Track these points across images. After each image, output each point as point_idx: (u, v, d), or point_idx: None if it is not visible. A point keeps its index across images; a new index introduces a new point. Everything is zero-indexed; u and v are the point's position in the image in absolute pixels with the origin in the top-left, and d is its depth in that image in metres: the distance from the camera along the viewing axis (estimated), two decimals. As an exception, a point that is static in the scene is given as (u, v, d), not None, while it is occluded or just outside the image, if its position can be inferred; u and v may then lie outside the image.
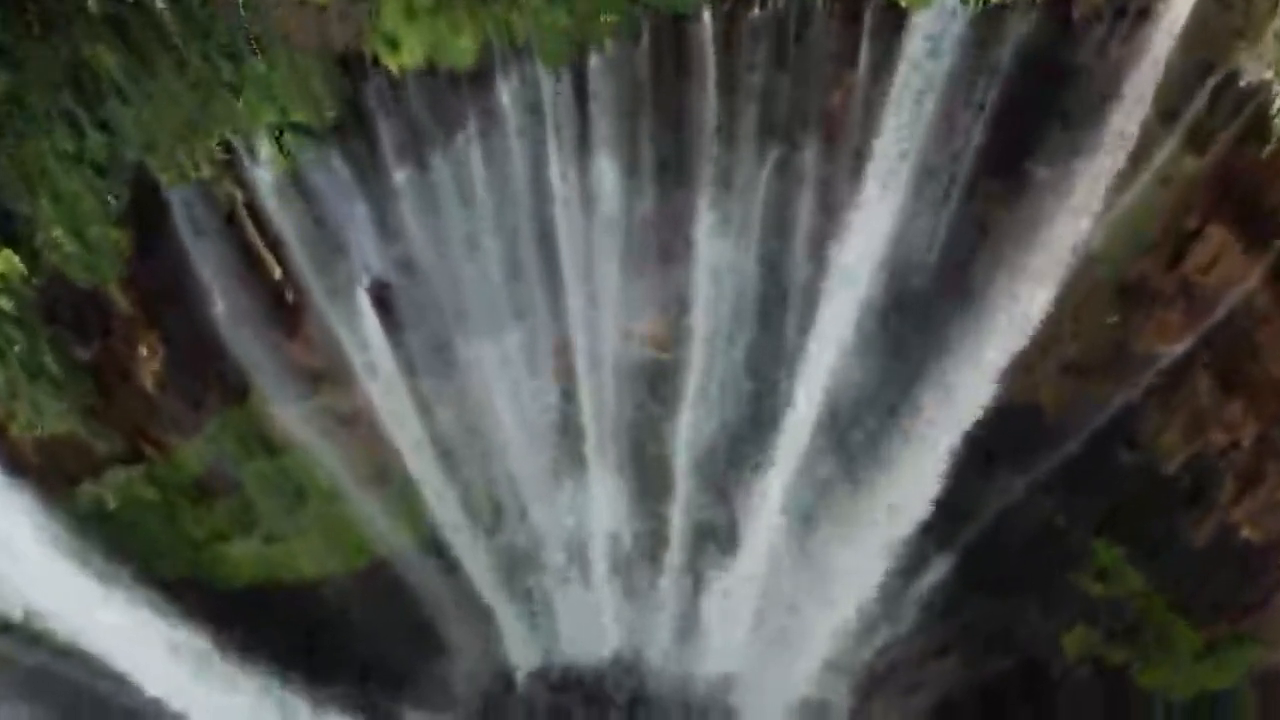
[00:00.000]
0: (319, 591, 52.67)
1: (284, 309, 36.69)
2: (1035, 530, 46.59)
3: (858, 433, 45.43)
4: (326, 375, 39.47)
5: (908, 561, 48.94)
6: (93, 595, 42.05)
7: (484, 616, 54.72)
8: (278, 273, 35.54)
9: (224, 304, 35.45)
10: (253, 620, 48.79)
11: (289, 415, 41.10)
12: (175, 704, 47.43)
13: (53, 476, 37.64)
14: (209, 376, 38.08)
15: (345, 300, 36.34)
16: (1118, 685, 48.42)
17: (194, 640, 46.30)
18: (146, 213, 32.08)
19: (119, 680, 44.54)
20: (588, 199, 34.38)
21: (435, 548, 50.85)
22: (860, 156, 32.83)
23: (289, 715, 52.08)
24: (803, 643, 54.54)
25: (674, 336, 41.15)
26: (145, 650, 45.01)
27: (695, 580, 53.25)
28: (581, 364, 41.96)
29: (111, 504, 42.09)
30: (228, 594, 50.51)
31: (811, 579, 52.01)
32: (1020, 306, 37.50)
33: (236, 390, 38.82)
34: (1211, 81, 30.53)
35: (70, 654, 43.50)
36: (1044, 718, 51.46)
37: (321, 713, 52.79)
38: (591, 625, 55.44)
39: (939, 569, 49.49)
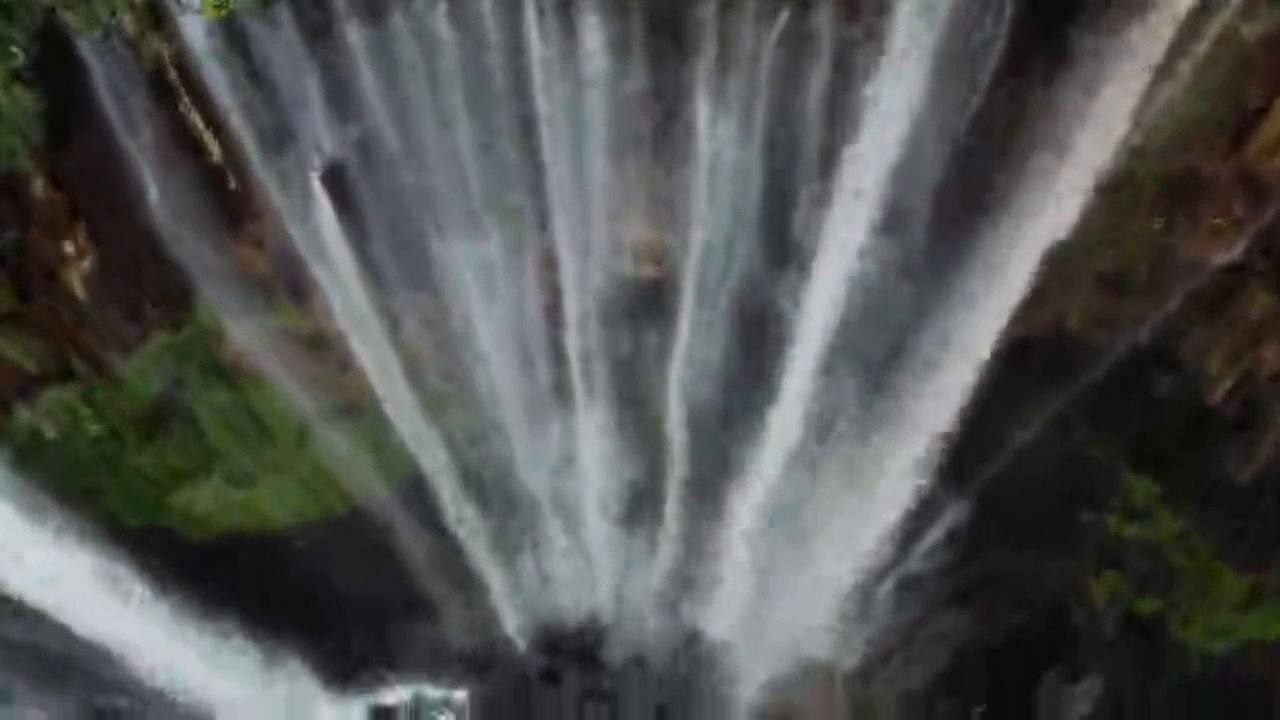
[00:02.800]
0: (292, 544, 47.47)
1: (227, 200, 31.17)
2: (1062, 468, 41.30)
3: (869, 361, 39.82)
4: (281, 285, 33.99)
5: (920, 507, 43.33)
6: (40, 541, 36.58)
7: (469, 571, 49.30)
8: (217, 152, 29.98)
9: (158, 193, 29.91)
10: (223, 574, 44.23)
11: (243, 335, 35.59)
12: (140, 662, 42.39)
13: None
14: (146, 281, 32.64)
15: (296, 190, 30.89)
16: (1149, 638, 43.09)
17: (160, 595, 41.22)
18: (61, 75, 26.52)
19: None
20: (571, 67, 28.88)
21: (415, 494, 45.24)
22: (881, 12, 27.17)
23: (263, 676, 46.77)
24: (805, 598, 48.79)
25: (667, 248, 35.61)
26: (104, 606, 39.78)
27: (692, 530, 47.60)
28: (567, 279, 36.41)
29: (49, 433, 36.56)
30: (198, 546, 45.41)
31: (816, 528, 46.36)
32: (1055, 207, 31.91)
33: (179, 300, 33.44)
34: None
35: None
36: (1067, 676, 45.58)
37: (297, 673, 48.39)
38: (583, 580, 49.92)
39: (954, 514, 44.06)
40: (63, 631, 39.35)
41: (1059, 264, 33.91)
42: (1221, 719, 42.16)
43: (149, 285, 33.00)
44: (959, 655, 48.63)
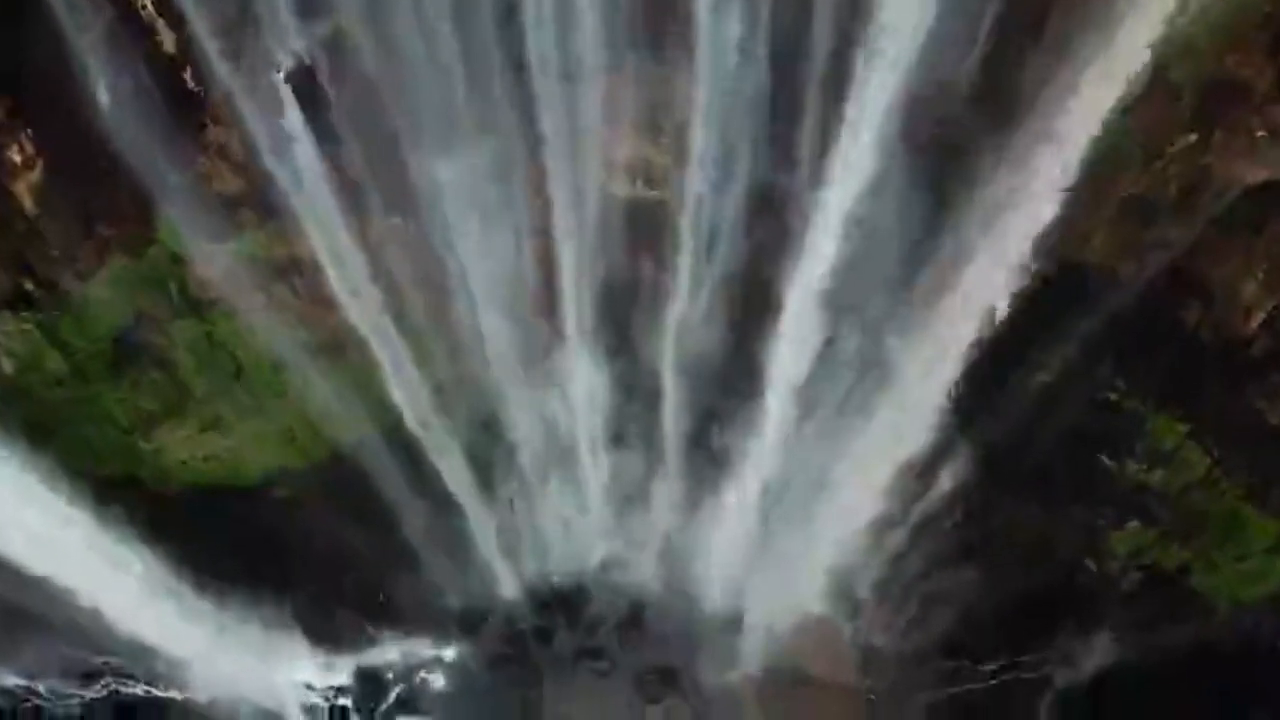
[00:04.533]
0: (273, 493, 44.39)
1: (186, 104, 27.99)
2: (1081, 409, 38.28)
3: (879, 293, 36.70)
4: (249, 204, 30.88)
5: (929, 455, 40.21)
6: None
7: (458, 523, 46.25)
8: (172, 46, 26.81)
9: (109, 95, 26.71)
10: (201, 526, 41.48)
11: (210, 262, 32.44)
12: (115, 618, 38.93)
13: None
14: (101, 196, 29.41)
15: (262, 95, 27.67)
16: (1171, 590, 40.03)
17: (132, 547, 38.14)
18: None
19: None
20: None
21: (401, 439, 42.17)
22: None
23: (244, 633, 43.71)
24: (809, 551, 45.81)
25: (664, 166, 32.45)
26: (74, 558, 36.51)
27: (691, 478, 44.59)
28: (558, 202, 33.30)
29: (8, 367, 33.55)
30: (172, 496, 42.50)
31: (820, 478, 43.36)
32: (1082, 119, 28.71)
33: (137, 218, 30.29)
34: None
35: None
36: (1083, 633, 42.60)
37: (280, 631, 45.35)
38: (576, 532, 47.08)
39: (964, 463, 40.74)
40: (32, 585, 36.23)
41: (1084, 186, 30.90)
42: (1246, 674, 39.02)
43: (103, 199, 29.80)
44: (968, 611, 45.68)
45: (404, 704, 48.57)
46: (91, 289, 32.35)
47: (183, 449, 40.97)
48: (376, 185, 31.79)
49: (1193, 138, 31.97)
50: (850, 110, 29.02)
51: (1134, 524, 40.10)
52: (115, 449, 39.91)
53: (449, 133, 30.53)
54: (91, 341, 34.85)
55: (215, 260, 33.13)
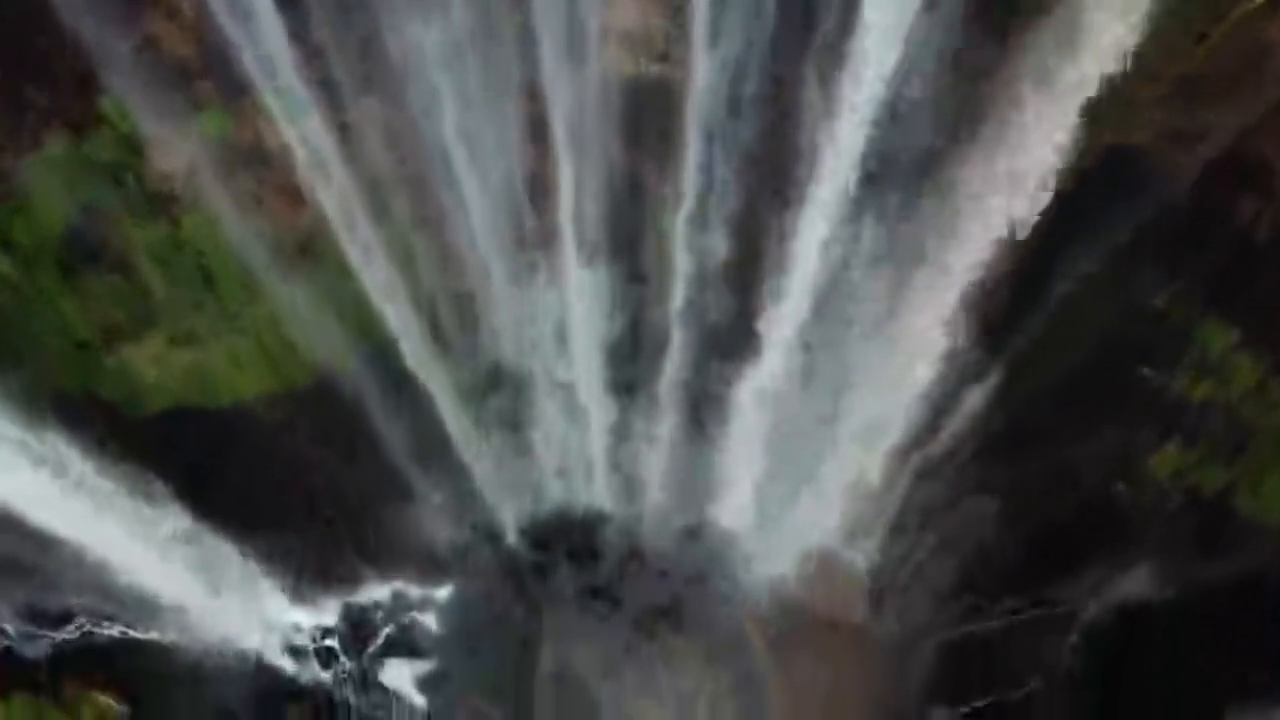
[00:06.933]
0: (253, 419, 40.65)
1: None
2: (1120, 314, 34.40)
3: (900, 190, 32.88)
4: (207, 76, 26.84)
5: (952, 372, 36.45)
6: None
7: (450, 453, 42.68)
8: None
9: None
10: (175, 455, 38.08)
11: (165, 145, 28.53)
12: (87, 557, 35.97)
13: None
14: (33, 59, 25.41)
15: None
16: (1215, 517, 36.39)
17: (101, 477, 34.92)
18: None
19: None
20: None
21: (389, 361, 38.42)
22: None
23: (224, 569, 40.52)
24: (821, 482, 42.34)
25: (669, 37, 28.43)
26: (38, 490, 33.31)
27: (698, 404, 40.81)
28: (551, 80, 29.32)
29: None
30: (144, 422, 38.62)
31: (834, 400, 39.71)
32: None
33: (77, 88, 26.35)
34: None
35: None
36: (1114, 566, 38.92)
37: (262, 567, 42.00)
38: (575, 462, 43.45)
39: (989, 378, 37.04)
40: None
41: (1133, 64, 26.98)
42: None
43: (37, 66, 25.83)
44: (990, 546, 42.19)
45: (394, 645, 45.14)
46: (34, 174, 28.36)
47: (151, 367, 37.24)
48: (345, 54, 27.72)
49: (1254, 3, 28.09)
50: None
51: (1173, 444, 36.39)
52: (74, 364, 36.21)
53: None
54: (39, 240, 30.92)
55: (172, 146, 29.07)
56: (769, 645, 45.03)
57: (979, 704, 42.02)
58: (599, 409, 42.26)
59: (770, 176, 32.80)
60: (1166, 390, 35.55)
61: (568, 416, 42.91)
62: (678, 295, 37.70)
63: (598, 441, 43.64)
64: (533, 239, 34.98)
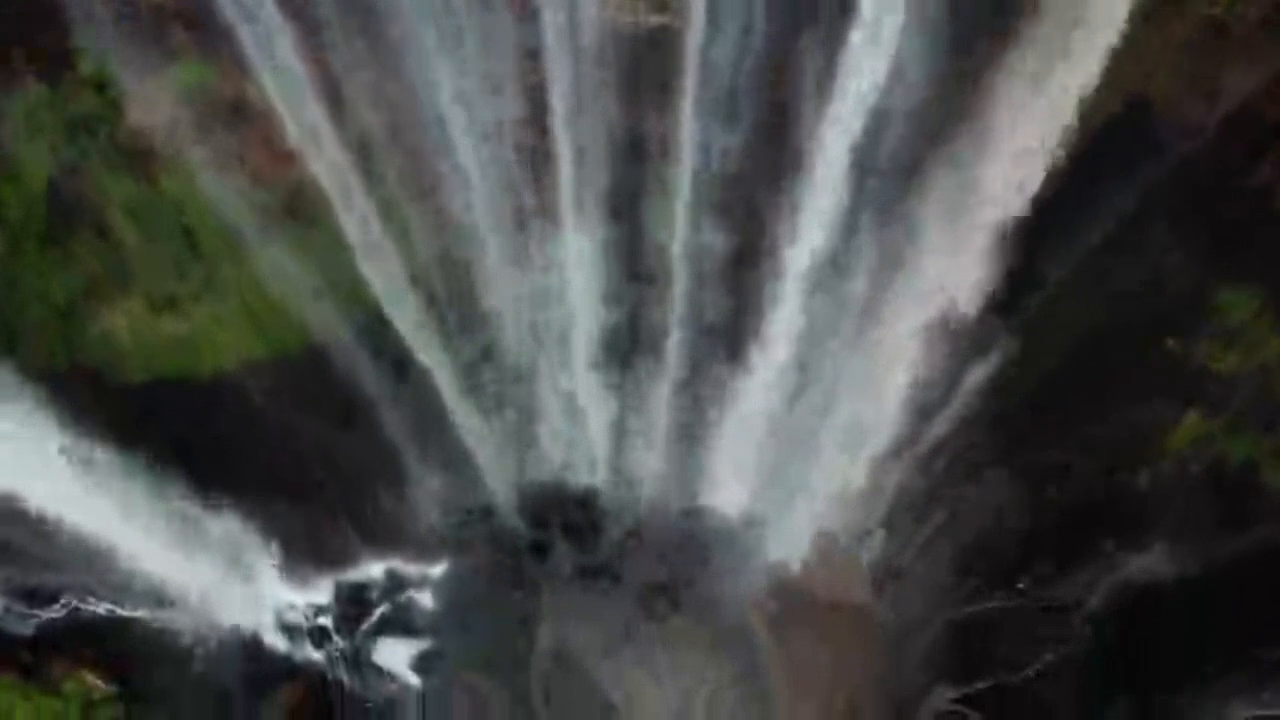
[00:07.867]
0: (241, 390, 39.10)
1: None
2: (1137, 279, 33.04)
3: (907, 152, 31.24)
4: (185, 20, 25.23)
5: (963, 344, 34.94)
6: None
7: (446, 428, 41.23)
8: None
9: None
10: (160, 427, 36.47)
11: (144, 98, 26.82)
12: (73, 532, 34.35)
13: None
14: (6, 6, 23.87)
15: None
16: (1237, 491, 34.78)
17: (87, 450, 33.36)
18: None
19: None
20: None
21: (383, 330, 36.93)
22: None
23: (214, 547, 39.02)
24: (824, 461, 40.90)
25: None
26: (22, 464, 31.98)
27: (698, 379, 39.32)
28: (549, 33, 27.71)
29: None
30: (126, 392, 37.02)
31: (838, 376, 38.22)
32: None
33: (48, 34, 24.65)
34: None
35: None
36: (1130, 543, 37.33)
37: (253, 545, 40.52)
38: (572, 439, 42.09)
39: (1002, 351, 35.57)
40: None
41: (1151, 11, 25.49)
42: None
43: (8, 9, 24.25)
44: (1001, 524, 40.75)
45: (388, 624, 43.71)
46: (13, 128, 26.76)
47: (133, 333, 35.66)
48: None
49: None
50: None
51: (1193, 415, 34.81)
52: (57, 333, 34.68)
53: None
54: (26, 207, 29.33)
55: (150, 96, 27.46)
56: (770, 626, 43.56)
57: (981, 685, 40.76)
58: (598, 380, 40.78)
59: (776, 138, 31.22)
60: (1186, 358, 33.94)
61: (563, 388, 41.43)
62: (680, 255, 36.09)
63: (595, 415, 42.21)
64: (527, 199, 33.35)
